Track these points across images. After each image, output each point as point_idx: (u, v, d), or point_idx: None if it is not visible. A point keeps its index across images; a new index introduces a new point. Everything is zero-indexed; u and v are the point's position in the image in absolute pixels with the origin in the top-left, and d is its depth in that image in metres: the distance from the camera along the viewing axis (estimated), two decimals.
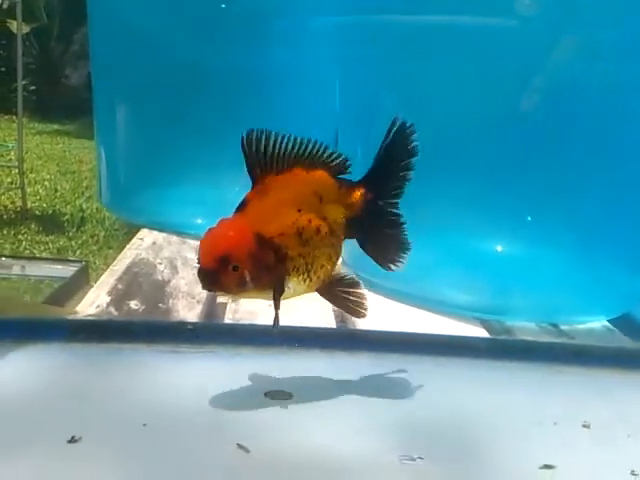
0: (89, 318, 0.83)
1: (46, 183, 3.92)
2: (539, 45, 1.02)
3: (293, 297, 0.66)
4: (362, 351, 0.77)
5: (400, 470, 0.58)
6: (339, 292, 0.68)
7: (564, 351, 0.83)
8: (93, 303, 0.90)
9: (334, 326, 0.93)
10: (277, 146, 0.63)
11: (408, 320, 0.99)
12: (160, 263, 1.10)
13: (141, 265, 1.09)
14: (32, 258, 1.50)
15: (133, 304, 0.92)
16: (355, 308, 0.68)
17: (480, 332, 0.97)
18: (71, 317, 0.82)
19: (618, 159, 1.05)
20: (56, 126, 5.44)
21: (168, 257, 1.13)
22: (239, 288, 0.61)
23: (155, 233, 1.29)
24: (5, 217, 3.03)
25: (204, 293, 1.03)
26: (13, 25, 3.41)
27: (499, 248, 1.09)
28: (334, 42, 1.45)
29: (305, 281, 0.65)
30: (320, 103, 1.50)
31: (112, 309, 0.90)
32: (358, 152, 1.23)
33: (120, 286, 0.99)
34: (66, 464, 0.55)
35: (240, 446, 0.58)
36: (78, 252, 2.95)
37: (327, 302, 0.70)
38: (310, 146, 0.64)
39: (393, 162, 0.68)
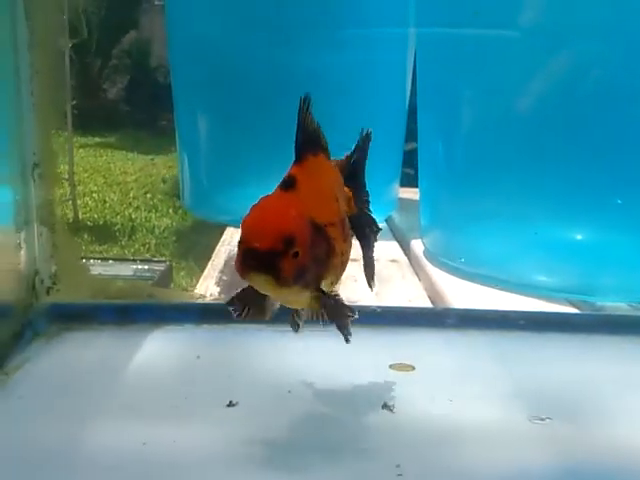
0: (216, 302, 0.90)
1: (94, 195, 4.04)
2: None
3: (297, 304, 0.58)
4: (471, 328, 0.81)
5: (532, 428, 0.62)
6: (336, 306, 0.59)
7: None
8: (206, 292, 0.97)
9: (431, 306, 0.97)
10: (313, 121, 0.55)
11: (498, 302, 1.03)
12: None
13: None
14: (118, 259, 1.59)
15: None
16: (349, 328, 0.60)
17: (572, 311, 1.00)
18: (200, 301, 0.89)
19: None
20: (98, 139, 5.59)
21: None
22: (294, 281, 0.48)
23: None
24: None
25: None
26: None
27: (579, 237, 1.13)
28: (404, 48, 1.53)
29: (332, 283, 0.56)
30: (391, 108, 1.57)
31: (224, 297, 0.97)
32: (440, 145, 1.29)
33: (225, 277, 1.06)
34: (227, 424, 0.61)
35: (386, 405, 0.64)
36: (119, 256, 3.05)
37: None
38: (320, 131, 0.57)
39: (361, 169, 0.64)
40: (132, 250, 3.08)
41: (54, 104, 0.74)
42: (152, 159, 3.84)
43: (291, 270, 0.47)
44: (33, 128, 0.74)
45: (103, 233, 3.06)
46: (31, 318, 0.75)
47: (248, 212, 0.49)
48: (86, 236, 3.20)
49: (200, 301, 0.90)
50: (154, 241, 3.17)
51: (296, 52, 1.39)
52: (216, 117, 1.52)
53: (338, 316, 0.58)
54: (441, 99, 1.27)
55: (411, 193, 1.84)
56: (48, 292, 0.78)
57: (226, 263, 1.14)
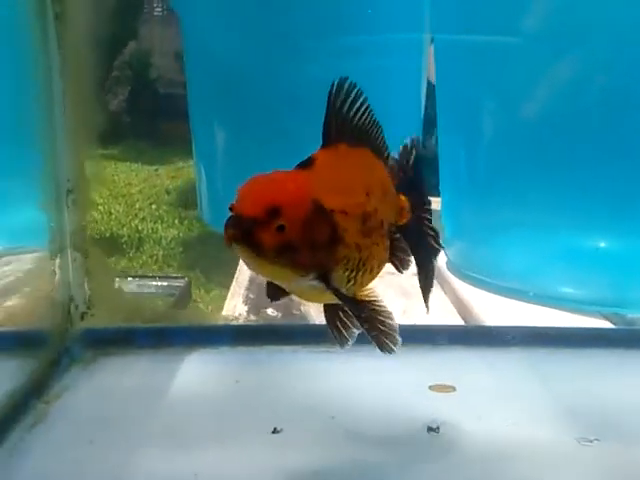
0: (251, 324, 0.90)
1: (100, 207, 4.04)
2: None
3: (315, 299, 0.56)
4: (506, 346, 0.81)
5: (581, 450, 0.62)
6: (370, 317, 0.55)
7: None
8: (234, 311, 0.97)
9: (463, 323, 0.97)
10: (363, 112, 0.54)
11: (527, 316, 1.02)
12: None
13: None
14: (136, 276, 1.59)
15: (269, 311, 0.99)
16: (386, 341, 0.56)
17: (605, 325, 1.00)
18: (234, 323, 0.89)
19: None
20: (101, 151, 5.62)
21: None
22: (277, 257, 0.46)
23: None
24: None
25: None
26: None
27: (602, 244, 1.12)
28: (419, 55, 1.53)
29: (350, 281, 0.52)
30: (407, 116, 1.57)
31: (252, 316, 0.96)
32: (462, 156, 1.29)
33: (251, 295, 1.05)
34: (274, 453, 0.61)
35: (430, 429, 0.64)
36: (140, 272, 3.05)
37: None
38: (379, 130, 0.55)
39: (421, 179, 0.61)
40: (140, 262, 3.08)
41: (87, 132, 0.74)
42: (156, 169, 3.85)
43: (271, 242, 0.46)
44: (67, 156, 0.74)
45: (110, 245, 3.07)
46: (67, 344, 0.75)
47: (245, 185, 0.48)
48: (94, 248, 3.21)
49: (234, 323, 0.89)
50: (161, 252, 3.17)
51: (310, 62, 1.39)
52: (232, 129, 1.51)
53: (367, 322, 0.55)
54: (461, 108, 1.27)
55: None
56: (82, 317, 0.78)
57: (251, 280, 1.14)
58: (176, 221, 3.27)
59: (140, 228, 3.28)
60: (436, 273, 1.27)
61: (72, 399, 0.68)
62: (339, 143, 0.53)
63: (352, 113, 0.53)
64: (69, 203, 0.75)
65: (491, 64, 1.16)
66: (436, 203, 1.83)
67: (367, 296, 0.56)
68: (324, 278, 0.50)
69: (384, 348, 0.56)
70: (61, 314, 0.76)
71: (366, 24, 1.43)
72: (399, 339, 0.57)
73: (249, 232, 0.45)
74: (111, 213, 3.79)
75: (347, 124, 0.53)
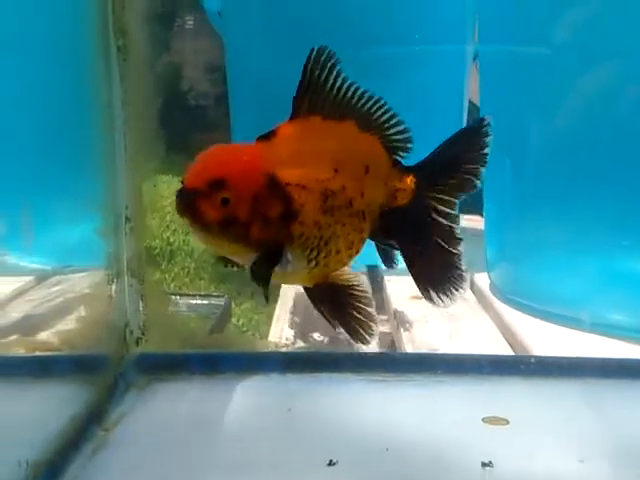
0: (300, 351, 0.90)
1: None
2: None
3: (285, 281, 0.54)
4: (560, 377, 0.80)
5: None
6: (345, 302, 0.53)
7: None
8: (282, 336, 0.98)
9: (511, 353, 0.96)
10: (340, 82, 0.51)
11: (576, 344, 1.01)
12: None
13: (304, 298, 1.16)
14: (176, 294, 1.61)
15: (316, 336, 0.99)
16: (360, 331, 0.54)
17: None
18: (284, 350, 0.90)
19: None
20: None
21: None
22: (219, 228, 0.46)
23: None
24: None
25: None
26: None
27: None
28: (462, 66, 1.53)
29: (310, 261, 0.50)
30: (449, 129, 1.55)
31: (300, 342, 0.97)
32: (507, 173, 1.28)
33: (297, 319, 1.06)
34: None
35: (484, 464, 0.63)
36: (172, 285, 3.09)
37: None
38: (377, 104, 0.52)
39: (459, 160, 0.56)
40: (172, 274, 3.12)
41: (145, 162, 0.76)
42: None
43: (214, 215, 0.46)
44: (126, 184, 0.76)
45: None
46: (123, 370, 0.76)
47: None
48: None
49: (284, 350, 0.90)
50: (193, 265, 3.20)
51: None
52: None
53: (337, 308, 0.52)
54: (507, 122, 1.23)
55: (468, 221, 1.82)
56: (137, 343, 0.79)
57: (295, 304, 1.15)
58: None
59: (172, 240, 3.32)
60: (479, 297, 1.26)
61: (130, 426, 0.69)
62: (311, 115, 0.50)
63: (329, 84, 0.50)
64: (127, 230, 0.77)
65: (537, 76, 1.14)
66: (480, 223, 1.81)
67: (345, 280, 0.53)
68: (274, 255, 0.48)
69: (357, 338, 0.54)
70: (117, 339, 0.77)
71: (406, 36, 1.43)
72: (375, 329, 0.54)
73: (191, 204, 0.46)
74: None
75: (323, 96, 0.50)
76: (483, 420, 0.73)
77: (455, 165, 0.56)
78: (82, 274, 0.89)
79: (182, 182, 0.47)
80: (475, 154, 0.56)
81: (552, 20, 1.12)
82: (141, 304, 0.79)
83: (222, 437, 0.69)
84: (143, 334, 0.79)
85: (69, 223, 0.97)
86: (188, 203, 0.46)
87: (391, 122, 0.53)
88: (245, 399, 0.76)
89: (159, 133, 0.76)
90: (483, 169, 0.57)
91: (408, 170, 0.55)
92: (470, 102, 1.61)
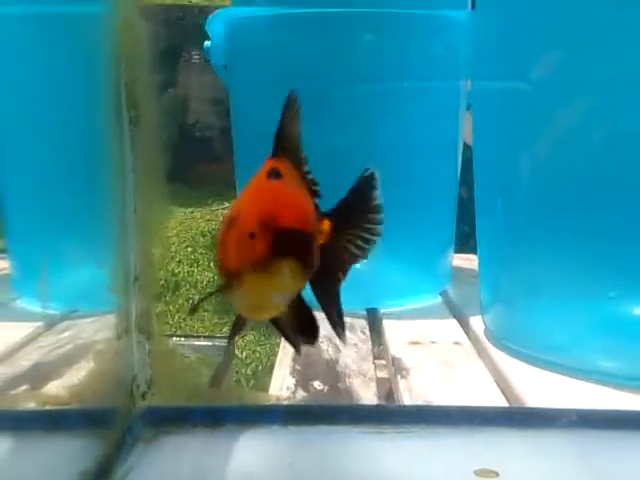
0: (301, 404, 0.94)
1: None
2: None
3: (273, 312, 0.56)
4: (551, 429, 0.83)
5: None
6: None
7: None
8: (283, 385, 1.01)
9: (505, 402, 0.99)
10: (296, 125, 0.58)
11: (573, 394, 1.03)
12: (321, 342, 1.20)
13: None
14: (180, 335, 1.64)
15: (316, 384, 1.03)
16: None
17: None
18: (286, 403, 0.93)
19: None
20: None
21: (326, 336, 1.23)
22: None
23: None
24: None
25: (372, 371, 1.12)
26: None
27: (637, 311, 1.13)
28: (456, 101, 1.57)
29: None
30: (444, 168, 1.62)
31: (300, 390, 1.00)
32: (499, 215, 1.30)
33: (298, 367, 1.09)
34: None
35: None
36: (177, 316, 3.11)
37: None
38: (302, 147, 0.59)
39: (359, 210, 0.62)
40: (177, 306, 3.14)
41: (154, 224, 0.81)
42: (192, 212, 3.95)
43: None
44: (135, 246, 0.80)
45: None
46: (130, 424, 0.79)
47: (248, 194, 0.52)
48: None
49: (286, 402, 0.93)
50: (197, 296, 3.22)
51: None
52: None
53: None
54: (498, 162, 1.28)
55: (463, 260, 1.85)
56: (144, 397, 0.83)
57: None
58: (211, 264, 3.33)
59: (176, 271, 3.35)
60: (474, 343, 1.28)
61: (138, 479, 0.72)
62: (281, 154, 0.57)
63: (293, 127, 0.59)
64: (136, 289, 0.81)
65: (526, 118, 1.17)
66: (468, 261, 1.84)
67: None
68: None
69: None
70: (125, 393, 0.81)
71: (403, 72, 1.47)
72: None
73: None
74: None
75: (289, 138, 0.58)
76: (474, 472, 0.76)
77: (359, 211, 0.63)
78: (83, 315, 0.93)
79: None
80: (370, 203, 0.63)
81: (538, 57, 1.16)
82: (148, 359, 0.83)
83: None
84: (149, 388, 0.83)
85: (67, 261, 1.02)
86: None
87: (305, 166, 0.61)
88: (247, 452, 0.79)
89: (166, 195, 0.81)
90: (379, 216, 0.63)
91: (324, 214, 0.61)
92: (464, 143, 1.66)
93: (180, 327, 2.78)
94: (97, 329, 0.89)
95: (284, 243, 0.46)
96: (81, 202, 0.92)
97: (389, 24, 1.48)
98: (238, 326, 0.62)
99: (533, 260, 1.22)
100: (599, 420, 0.84)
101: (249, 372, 2.26)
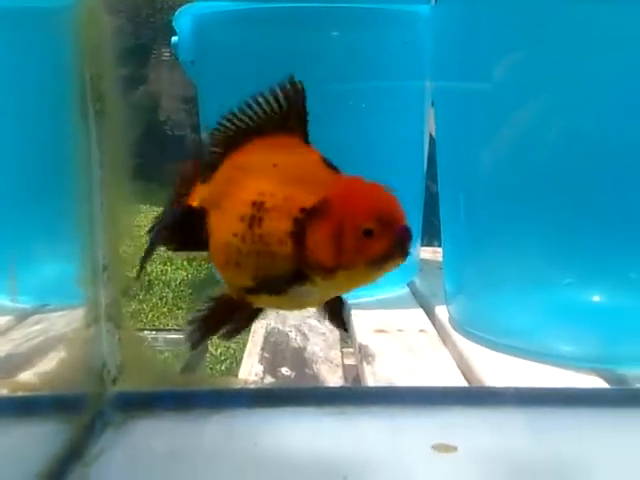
0: (267, 387, 0.97)
1: None
2: None
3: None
4: (505, 406, 0.87)
5: None
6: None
7: None
8: (251, 372, 1.04)
9: (465, 384, 1.03)
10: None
11: (528, 375, 1.08)
12: (290, 331, 1.23)
13: (275, 334, 1.23)
14: (153, 329, 1.66)
15: (284, 370, 1.06)
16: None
17: (596, 381, 1.06)
18: (252, 386, 0.96)
19: None
20: None
21: (295, 325, 1.27)
22: None
23: None
24: None
25: (339, 358, 1.16)
26: None
27: (597, 298, 1.19)
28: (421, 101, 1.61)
29: None
30: (410, 162, 1.66)
31: (268, 376, 1.03)
32: (461, 208, 1.35)
33: (267, 355, 1.12)
34: None
35: None
36: (150, 314, 3.12)
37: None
38: None
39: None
40: (150, 304, 3.14)
41: (122, 216, 0.83)
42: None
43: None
44: (103, 236, 0.82)
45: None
46: (101, 409, 0.82)
47: (359, 190, 0.49)
48: None
49: (253, 386, 0.96)
50: (171, 295, 3.22)
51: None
52: None
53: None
54: (460, 158, 1.32)
55: (431, 253, 1.91)
56: (114, 382, 0.85)
57: (265, 339, 1.21)
58: (185, 263, 3.32)
59: (149, 270, 3.33)
60: (440, 331, 1.33)
61: (109, 462, 0.74)
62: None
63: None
64: (104, 278, 0.83)
65: (487, 115, 1.22)
66: (435, 253, 1.88)
67: None
68: None
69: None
70: (95, 380, 0.83)
71: (370, 71, 1.50)
72: None
73: (407, 242, 0.47)
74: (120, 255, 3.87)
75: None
76: (433, 447, 0.80)
77: None
78: (54, 309, 0.95)
79: (389, 223, 0.47)
80: None
81: (497, 54, 1.20)
82: (118, 346, 0.85)
83: (192, 471, 0.74)
84: (120, 374, 0.85)
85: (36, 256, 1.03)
86: (405, 241, 0.47)
87: None
88: (215, 434, 0.82)
89: (134, 188, 0.83)
90: None
91: None
92: (430, 135, 1.70)
93: (154, 325, 2.79)
94: (68, 321, 0.91)
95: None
96: (48, 197, 0.93)
97: (354, 19, 1.52)
98: (252, 317, 0.58)
99: (494, 251, 1.27)
100: (552, 398, 0.88)
101: (223, 368, 2.28)
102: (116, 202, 0.82)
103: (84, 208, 0.81)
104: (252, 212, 0.50)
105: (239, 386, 0.96)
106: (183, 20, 1.74)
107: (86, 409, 0.80)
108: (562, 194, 1.18)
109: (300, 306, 0.55)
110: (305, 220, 0.48)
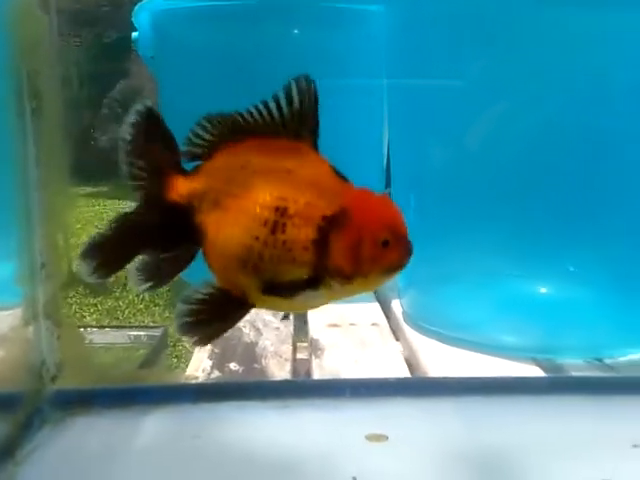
0: (212, 382, 0.97)
1: None
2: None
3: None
4: (439, 396, 0.89)
5: None
6: None
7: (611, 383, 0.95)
8: (199, 367, 1.05)
9: (409, 375, 1.05)
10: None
11: (472, 366, 1.10)
12: (244, 326, 1.24)
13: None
14: (114, 327, 1.65)
15: (232, 365, 1.07)
16: None
17: (534, 370, 1.09)
18: (195, 382, 0.97)
19: None
20: (90, 189, 5.65)
21: (249, 320, 1.28)
22: None
23: None
24: None
25: (289, 352, 1.17)
26: None
27: (544, 289, 1.22)
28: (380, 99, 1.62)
29: None
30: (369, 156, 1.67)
31: (216, 371, 1.04)
32: (411, 203, 1.38)
33: (217, 350, 1.13)
34: None
35: (354, 478, 0.72)
36: (127, 311, 3.10)
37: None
38: None
39: None
40: (127, 301, 3.12)
41: (59, 214, 0.83)
42: None
43: None
44: (41, 235, 0.82)
45: (97, 285, 3.10)
46: (39, 406, 0.82)
47: (374, 203, 0.53)
48: (80, 289, 3.23)
49: (194, 381, 0.97)
50: (146, 292, 3.18)
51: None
52: None
53: None
54: (411, 151, 1.34)
55: None
56: (53, 380, 0.85)
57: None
58: None
59: (128, 267, 3.30)
60: (393, 324, 1.35)
61: (42, 459, 0.74)
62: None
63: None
64: (43, 276, 0.83)
65: (437, 108, 1.24)
66: None
67: None
68: None
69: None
70: (33, 377, 0.83)
71: (329, 68, 1.50)
72: None
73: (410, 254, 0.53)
74: None
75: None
76: (366, 437, 0.81)
77: None
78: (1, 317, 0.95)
79: (398, 234, 0.52)
80: None
81: (445, 53, 1.22)
82: (57, 344, 0.85)
83: (130, 466, 0.75)
84: (59, 371, 0.85)
85: None
86: (411, 251, 0.53)
87: None
88: (155, 430, 0.82)
89: (71, 187, 0.83)
90: None
91: None
92: None
93: (130, 322, 2.78)
94: (6, 320, 0.90)
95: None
96: None
97: (310, 16, 1.53)
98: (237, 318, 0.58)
99: (444, 246, 1.30)
100: (485, 387, 0.90)
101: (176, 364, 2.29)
102: (53, 199, 0.82)
103: (21, 206, 0.81)
104: (275, 217, 0.51)
105: (182, 382, 0.96)
106: (142, 16, 1.74)
107: (23, 407, 0.80)
108: (509, 190, 1.21)
109: (305, 308, 0.60)
110: (327, 229, 0.51)
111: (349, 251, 0.51)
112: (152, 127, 0.58)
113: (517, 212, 1.20)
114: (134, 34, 1.78)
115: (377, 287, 0.55)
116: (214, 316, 0.55)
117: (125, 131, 0.58)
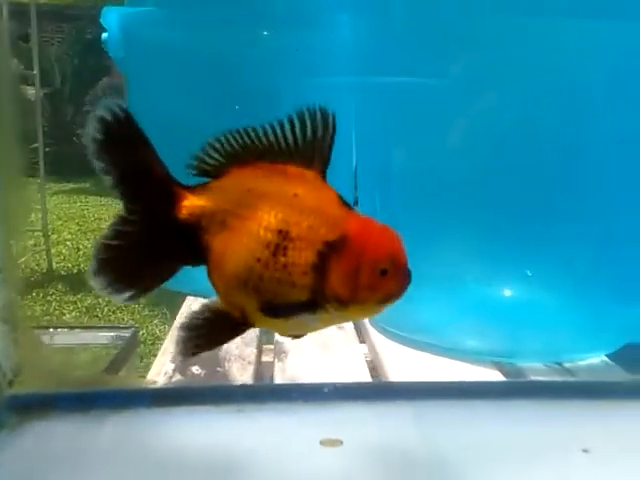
0: (168, 387, 0.98)
1: (68, 243, 4.02)
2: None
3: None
4: (396, 400, 0.91)
5: None
6: None
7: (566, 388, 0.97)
8: (161, 371, 1.05)
9: (369, 379, 1.07)
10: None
11: (433, 370, 1.12)
12: None
13: None
14: (86, 327, 1.65)
15: (194, 369, 1.07)
16: None
17: (495, 374, 1.11)
18: (151, 387, 0.97)
19: (608, 207, 1.20)
20: (72, 185, 5.62)
21: None
22: None
23: (200, 300, 1.42)
24: (32, 279, 3.16)
25: (253, 355, 1.18)
26: (27, 91, 3.63)
27: (507, 292, 1.24)
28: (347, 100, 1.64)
29: None
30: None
31: (178, 375, 1.05)
32: (376, 206, 1.39)
33: None
34: None
35: None
36: (106, 309, 3.09)
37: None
38: None
39: None
40: (106, 299, 3.10)
41: (13, 219, 0.83)
42: None
43: None
44: None
45: (77, 282, 3.08)
46: None
47: (375, 231, 0.54)
48: (60, 286, 3.20)
49: (152, 386, 0.98)
50: None
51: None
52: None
53: None
54: (376, 153, 1.36)
55: None
56: (10, 385, 0.85)
57: None
58: None
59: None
60: (358, 327, 1.37)
61: None
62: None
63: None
64: None
65: (404, 111, 1.25)
66: None
67: None
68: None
69: None
70: None
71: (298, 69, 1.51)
72: None
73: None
74: (79, 249, 3.79)
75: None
76: (320, 442, 0.83)
77: None
78: None
79: (400, 262, 0.54)
80: None
81: (420, 54, 1.23)
82: (14, 348, 0.85)
83: (86, 471, 0.76)
84: (16, 376, 0.86)
85: None
86: (409, 282, 0.55)
87: None
88: (111, 435, 0.83)
89: (24, 192, 0.83)
90: None
91: None
92: None
93: (109, 320, 2.77)
94: None
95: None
96: None
97: (280, 18, 1.53)
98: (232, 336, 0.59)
99: (409, 249, 1.30)
100: (442, 391, 0.92)
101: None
102: (7, 202, 0.83)
103: None
104: (277, 240, 0.52)
105: (139, 387, 0.97)
106: (111, 17, 1.73)
107: None
108: (473, 195, 1.23)
109: (302, 330, 0.58)
110: (327, 254, 0.52)
111: (347, 277, 0.51)
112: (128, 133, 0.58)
113: (481, 216, 1.22)
114: (104, 35, 1.78)
115: (373, 315, 0.57)
116: (213, 340, 0.57)
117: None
